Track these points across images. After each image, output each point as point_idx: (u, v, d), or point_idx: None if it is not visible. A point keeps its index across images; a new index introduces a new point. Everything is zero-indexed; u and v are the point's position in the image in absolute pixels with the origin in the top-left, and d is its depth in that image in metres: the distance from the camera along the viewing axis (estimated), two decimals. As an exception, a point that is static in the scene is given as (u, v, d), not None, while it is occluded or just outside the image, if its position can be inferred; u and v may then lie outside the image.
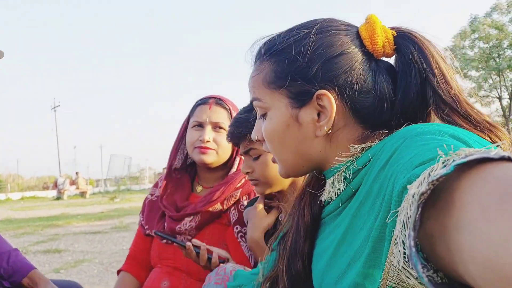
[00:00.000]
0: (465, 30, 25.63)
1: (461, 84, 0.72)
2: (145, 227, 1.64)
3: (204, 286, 1.12)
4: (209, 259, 1.29)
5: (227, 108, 1.57)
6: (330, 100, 0.70)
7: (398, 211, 0.47)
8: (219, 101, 1.57)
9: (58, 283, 1.50)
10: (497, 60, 24.84)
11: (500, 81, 25.56)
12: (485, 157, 0.39)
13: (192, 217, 1.52)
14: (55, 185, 23.83)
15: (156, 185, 1.76)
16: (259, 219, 1.33)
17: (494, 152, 0.39)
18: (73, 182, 25.04)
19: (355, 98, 0.72)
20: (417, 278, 0.47)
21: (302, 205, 0.84)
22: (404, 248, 0.46)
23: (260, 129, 0.81)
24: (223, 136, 1.53)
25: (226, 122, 1.55)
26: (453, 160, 0.41)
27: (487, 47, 25.52)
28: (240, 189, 1.56)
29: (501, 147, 0.59)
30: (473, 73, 26.42)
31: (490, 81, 25.96)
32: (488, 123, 0.66)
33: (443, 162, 0.42)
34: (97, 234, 6.71)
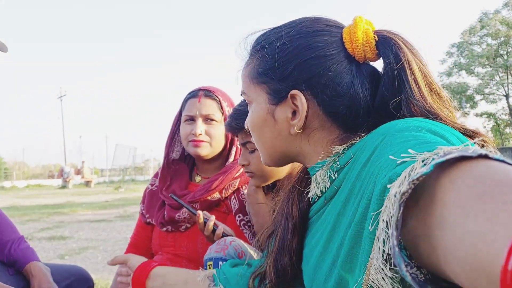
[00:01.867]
0: (474, 25, 25.39)
1: (444, 95, 0.70)
2: (146, 216, 1.67)
3: (206, 255, 1.18)
4: (214, 231, 1.32)
5: (217, 99, 1.57)
6: (301, 100, 0.72)
7: (379, 211, 0.48)
8: (208, 93, 1.57)
9: (62, 267, 1.51)
10: (505, 57, 24.62)
11: (507, 79, 25.33)
12: (463, 155, 0.40)
13: (191, 205, 1.54)
14: (61, 174, 24.01)
15: (156, 175, 1.78)
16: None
17: (471, 150, 0.40)
18: (78, 171, 25.20)
19: (328, 101, 0.72)
20: (392, 278, 0.48)
21: (291, 202, 0.86)
22: (384, 247, 0.46)
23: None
24: (215, 128, 1.56)
25: (216, 113, 1.56)
26: (433, 159, 0.42)
27: (495, 44, 25.28)
28: (239, 179, 1.57)
29: (478, 144, 0.60)
30: (480, 69, 26.19)
31: (497, 78, 25.73)
32: (470, 130, 0.65)
33: (422, 161, 0.43)
34: (101, 222, 6.77)
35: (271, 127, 0.77)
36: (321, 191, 0.74)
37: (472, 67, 25.89)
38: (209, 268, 1.13)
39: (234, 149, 1.64)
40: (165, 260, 1.53)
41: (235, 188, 1.56)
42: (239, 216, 1.52)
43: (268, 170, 1.31)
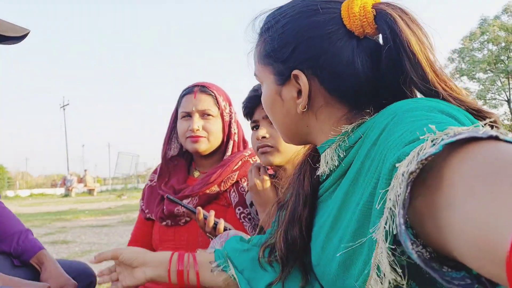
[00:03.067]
0: (474, 32, 25.40)
1: (444, 73, 0.67)
2: (145, 211, 1.68)
3: (208, 249, 1.17)
4: (214, 226, 1.33)
5: (212, 94, 1.59)
6: (303, 80, 0.73)
7: (387, 190, 0.48)
8: (203, 88, 1.59)
9: (66, 263, 1.52)
10: (506, 62, 24.59)
11: (509, 84, 25.29)
12: (474, 136, 0.39)
13: (190, 199, 1.55)
14: (63, 183, 24.00)
15: (155, 171, 1.80)
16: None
17: (482, 130, 0.39)
18: (81, 180, 25.19)
19: (329, 79, 0.73)
20: (394, 260, 0.48)
21: (303, 174, 0.86)
22: (388, 226, 0.46)
23: None
24: (212, 123, 1.57)
25: (212, 108, 1.57)
26: (442, 139, 0.41)
27: (496, 49, 25.28)
28: (237, 171, 1.58)
29: (489, 125, 0.59)
30: (481, 75, 26.16)
31: (499, 83, 25.70)
32: (481, 109, 0.64)
33: (432, 141, 0.42)
34: (104, 228, 6.78)
35: (280, 107, 0.79)
36: (330, 170, 0.75)
37: (473, 73, 25.87)
38: None
39: (231, 143, 1.65)
40: (165, 254, 1.54)
41: (234, 181, 1.57)
42: (239, 209, 1.53)
43: (287, 145, 1.31)
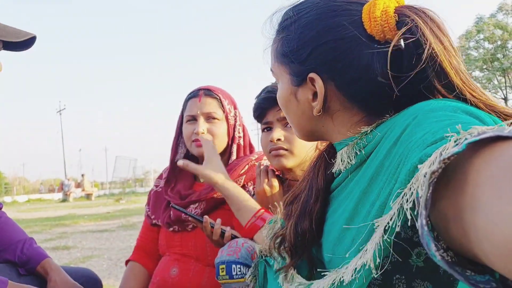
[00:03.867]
0: (470, 30, 25.53)
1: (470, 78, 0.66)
2: (152, 217, 1.66)
3: (217, 258, 1.15)
4: (222, 234, 1.31)
5: (217, 97, 1.58)
6: (319, 84, 0.72)
7: (406, 190, 0.47)
8: (208, 92, 1.58)
9: (71, 270, 1.51)
10: (502, 60, 24.71)
11: (505, 82, 25.42)
12: (499, 135, 0.37)
13: (197, 204, 1.54)
14: (61, 188, 23.95)
15: (160, 177, 1.78)
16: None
17: (508, 130, 0.37)
18: (78, 185, 25.14)
19: (347, 84, 0.71)
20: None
21: (317, 168, 0.86)
22: (392, 221, 0.46)
23: None
24: (217, 126, 1.56)
25: (217, 112, 1.56)
26: (465, 139, 0.40)
27: (492, 48, 25.41)
28: (244, 175, 1.57)
29: None
30: (477, 73, 26.28)
31: (495, 81, 25.81)
32: (506, 112, 0.62)
33: (455, 141, 0.41)
34: (104, 232, 6.75)
35: (295, 107, 0.79)
36: (345, 167, 0.74)
37: (470, 71, 25.90)
38: (222, 272, 1.11)
39: (235, 146, 1.64)
40: (172, 260, 1.53)
41: (240, 185, 1.55)
42: (245, 213, 1.52)
43: (302, 148, 1.29)
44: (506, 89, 25.53)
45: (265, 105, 1.35)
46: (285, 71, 0.78)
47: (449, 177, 0.41)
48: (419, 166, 0.45)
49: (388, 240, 0.51)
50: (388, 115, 0.69)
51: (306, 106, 0.76)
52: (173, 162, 1.69)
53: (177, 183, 1.67)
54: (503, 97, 25.93)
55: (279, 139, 1.31)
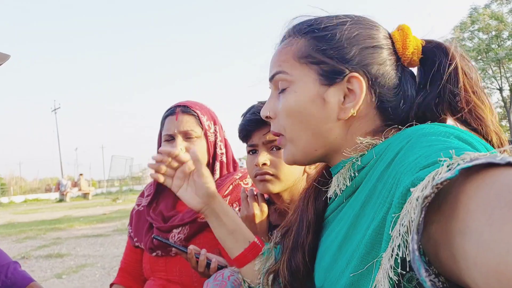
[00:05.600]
0: (465, 21, 25.52)
1: (488, 103, 0.73)
2: (134, 239, 1.61)
3: None
4: (208, 265, 1.26)
5: (195, 114, 1.52)
6: (361, 84, 0.72)
7: (399, 214, 0.47)
8: (185, 109, 1.51)
9: None
10: (497, 51, 24.72)
11: (500, 72, 25.45)
12: (491, 162, 0.38)
13: (180, 228, 1.48)
14: (58, 187, 23.88)
15: (142, 195, 1.72)
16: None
17: (500, 157, 0.38)
18: (75, 184, 25.07)
19: (382, 90, 0.74)
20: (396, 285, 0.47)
21: (307, 199, 0.85)
22: (399, 252, 0.45)
23: (273, 106, 0.80)
24: (195, 144, 1.50)
25: (195, 129, 1.50)
26: (458, 164, 0.40)
27: (486, 38, 25.42)
28: (229, 196, 1.52)
29: (507, 151, 0.58)
30: (472, 63, 26.32)
31: (490, 72, 25.84)
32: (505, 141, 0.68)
33: (447, 166, 0.41)
34: (99, 237, 6.72)
35: (318, 110, 0.74)
36: (341, 190, 0.74)
37: (465, 62, 25.98)
38: None
39: (217, 164, 1.58)
40: (157, 285, 1.48)
41: (225, 208, 1.51)
42: (231, 237, 1.47)
43: (290, 173, 1.24)
44: (501, 79, 25.55)
45: (250, 127, 1.29)
46: (311, 71, 0.75)
47: (441, 201, 0.42)
48: (411, 189, 0.44)
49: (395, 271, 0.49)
50: (393, 129, 0.73)
51: (334, 109, 0.74)
52: (156, 181, 1.63)
53: (160, 202, 1.62)
54: (498, 88, 25.98)
55: (264, 164, 1.25)
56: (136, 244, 1.60)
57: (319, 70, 0.74)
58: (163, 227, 1.50)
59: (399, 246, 0.45)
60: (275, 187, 1.26)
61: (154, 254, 1.51)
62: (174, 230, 1.49)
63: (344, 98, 0.74)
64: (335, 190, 0.75)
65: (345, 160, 0.74)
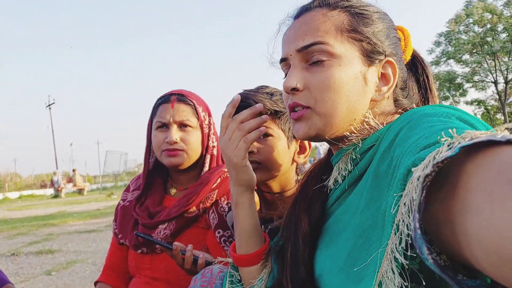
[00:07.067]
0: (459, 14, 25.53)
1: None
2: (119, 236, 1.55)
3: None
4: (195, 261, 1.21)
5: (191, 103, 1.46)
6: (395, 70, 0.78)
7: (401, 194, 0.47)
8: (182, 97, 1.45)
9: None
10: (492, 44, 24.76)
11: (495, 66, 25.50)
12: (491, 139, 0.38)
13: (166, 224, 1.42)
14: (52, 184, 23.76)
15: (127, 189, 1.66)
16: None
17: (500, 135, 0.38)
18: (70, 180, 24.95)
19: (402, 76, 0.81)
20: (402, 271, 0.48)
21: (297, 213, 0.84)
22: (401, 234, 0.46)
23: (302, 77, 0.77)
24: (191, 134, 1.44)
25: (192, 119, 1.44)
26: (459, 143, 0.40)
27: (481, 31, 25.45)
28: (216, 190, 1.46)
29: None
30: (466, 57, 26.36)
31: (485, 65, 25.89)
32: None
33: (448, 145, 0.41)
34: (91, 233, 6.64)
35: (359, 87, 0.75)
36: (342, 177, 0.75)
37: (460, 55, 26.04)
38: None
39: (208, 157, 1.52)
40: (143, 283, 1.44)
41: (213, 201, 1.45)
42: (218, 232, 1.40)
43: (275, 161, 1.18)
44: (496, 72, 25.59)
45: None
46: (353, 47, 0.76)
47: (442, 181, 0.42)
48: (413, 169, 0.45)
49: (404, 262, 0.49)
50: (397, 115, 0.77)
51: (372, 88, 0.77)
52: (146, 174, 1.56)
53: (147, 197, 1.55)
54: (493, 81, 26.01)
55: (251, 152, 1.18)
56: (121, 241, 1.55)
57: (361, 49, 0.75)
58: (148, 224, 1.45)
59: (403, 224, 0.46)
60: (262, 176, 1.19)
61: (139, 251, 1.46)
62: (160, 226, 1.43)
63: (378, 80, 0.77)
64: (336, 179, 0.76)
65: (345, 148, 0.75)
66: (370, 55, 0.76)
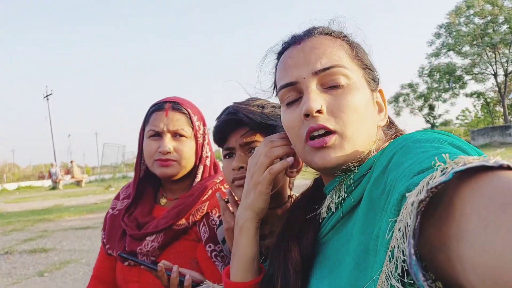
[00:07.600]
0: (460, 6, 25.45)
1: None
2: (106, 246, 1.49)
3: None
4: (181, 282, 1.15)
5: (186, 112, 1.39)
6: (384, 96, 0.81)
7: (395, 220, 0.47)
8: (176, 105, 1.39)
9: None
10: (492, 36, 24.68)
11: (495, 58, 25.44)
12: (484, 165, 0.38)
13: (154, 236, 1.36)
14: (50, 175, 23.76)
15: (117, 197, 1.59)
16: None
17: (493, 160, 0.38)
18: (68, 171, 24.96)
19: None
20: None
21: (287, 243, 0.82)
22: (396, 260, 0.45)
23: (324, 100, 0.74)
24: (184, 144, 1.38)
25: (186, 128, 1.38)
26: (452, 168, 0.40)
27: (482, 23, 25.37)
28: (207, 202, 1.40)
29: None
30: (466, 48, 26.33)
31: (485, 57, 25.83)
32: None
33: (441, 170, 0.42)
34: (87, 230, 6.61)
35: (372, 113, 0.77)
36: (336, 205, 0.74)
37: (460, 47, 25.99)
38: None
39: (201, 167, 1.46)
40: (130, 297, 1.37)
41: (203, 213, 1.37)
42: (209, 246, 1.33)
43: None
44: (496, 64, 25.54)
45: (226, 129, 1.15)
46: (361, 74, 0.77)
47: (436, 206, 0.42)
48: (406, 194, 0.45)
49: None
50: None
51: (377, 113, 0.79)
52: (137, 183, 1.50)
53: (137, 206, 1.48)
54: (493, 73, 25.96)
55: (242, 167, 1.11)
56: (109, 251, 1.48)
57: (367, 76, 0.78)
58: (136, 235, 1.38)
59: (398, 250, 0.45)
60: None
61: (126, 263, 1.39)
62: (148, 238, 1.36)
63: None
64: (328, 207, 0.75)
65: (338, 177, 0.74)
66: (371, 82, 0.77)
